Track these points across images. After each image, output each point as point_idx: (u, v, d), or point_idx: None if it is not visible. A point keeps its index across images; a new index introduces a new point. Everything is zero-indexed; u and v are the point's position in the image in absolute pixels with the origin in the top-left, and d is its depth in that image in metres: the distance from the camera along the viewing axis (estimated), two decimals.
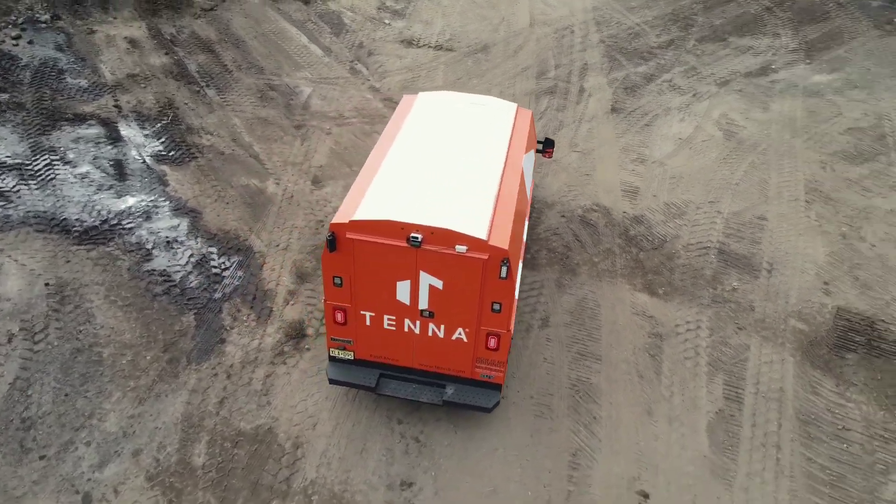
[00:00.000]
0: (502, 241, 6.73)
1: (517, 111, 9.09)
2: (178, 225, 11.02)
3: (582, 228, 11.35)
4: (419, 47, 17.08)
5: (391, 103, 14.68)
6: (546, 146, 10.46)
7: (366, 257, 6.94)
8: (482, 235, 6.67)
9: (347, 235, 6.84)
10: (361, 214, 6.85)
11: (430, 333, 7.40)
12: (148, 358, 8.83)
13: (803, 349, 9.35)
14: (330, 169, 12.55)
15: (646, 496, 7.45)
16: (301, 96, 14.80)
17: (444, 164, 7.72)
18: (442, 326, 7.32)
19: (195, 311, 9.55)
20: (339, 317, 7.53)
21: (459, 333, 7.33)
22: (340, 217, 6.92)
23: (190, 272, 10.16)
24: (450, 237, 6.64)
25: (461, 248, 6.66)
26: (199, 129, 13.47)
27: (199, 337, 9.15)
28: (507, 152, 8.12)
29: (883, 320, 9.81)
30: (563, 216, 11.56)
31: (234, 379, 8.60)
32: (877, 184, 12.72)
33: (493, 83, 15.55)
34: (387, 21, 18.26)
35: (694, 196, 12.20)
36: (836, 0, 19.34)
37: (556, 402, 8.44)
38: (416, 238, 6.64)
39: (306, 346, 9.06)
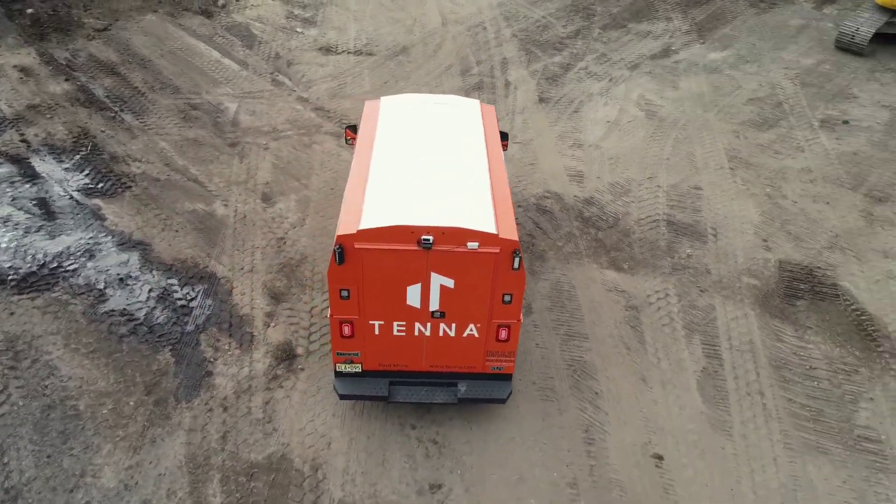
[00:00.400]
0: (511, 233, 6.88)
1: (482, 107, 9.27)
2: (128, 260, 10.34)
3: (540, 216, 11.72)
4: (338, 54, 16.88)
5: (324, 113, 14.45)
6: (502, 139, 10.71)
7: (375, 266, 6.88)
8: (492, 230, 6.79)
9: (356, 246, 6.75)
10: (368, 223, 6.77)
11: (440, 334, 7.44)
12: (131, 403, 8.26)
13: (760, 302, 10.18)
14: (277, 185, 12.19)
15: (660, 458, 7.89)
16: (227, 113, 14.24)
17: (431, 165, 7.76)
18: (453, 325, 7.38)
19: (170, 347, 9.02)
20: (346, 330, 7.41)
21: (471, 329, 7.42)
22: (345, 228, 6.81)
23: (154, 308, 9.57)
24: (461, 235, 6.71)
25: (473, 245, 6.75)
26: (124, 157, 12.65)
27: (182, 373, 8.66)
28: (487, 147, 8.28)
29: (819, 267, 10.87)
30: (519, 206, 11.88)
31: (232, 411, 8.23)
32: (785, 147, 13.99)
33: (420, 83, 15.65)
34: (299, 30, 17.89)
35: (633, 174, 12.90)
36: None
37: (558, 384, 8.73)
38: (428, 240, 6.66)
39: (300, 367, 8.81)
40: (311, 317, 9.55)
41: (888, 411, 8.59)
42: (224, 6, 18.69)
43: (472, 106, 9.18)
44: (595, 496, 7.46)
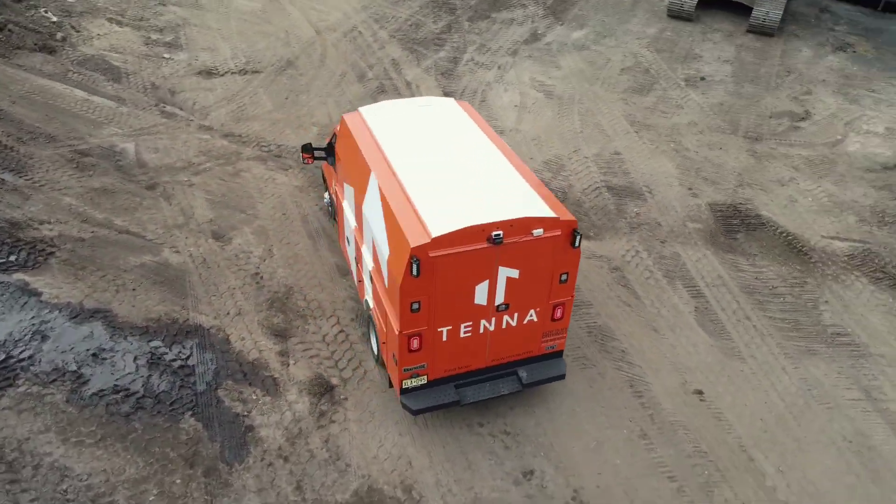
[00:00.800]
0: (566, 213, 7.21)
1: (461, 105, 9.41)
2: (92, 332, 9.12)
3: None
4: (221, 76, 15.89)
5: (236, 138, 13.60)
6: None
7: (447, 271, 6.85)
8: (552, 213, 7.07)
9: (431, 255, 6.67)
10: (439, 229, 6.71)
11: (503, 326, 7.59)
12: (178, 482, 7.40)
13: (710, 242, 11.51)
14: (223, 220, 11.34)
15: (701, 392, 8.73)
16: (127, 155, 12.88)
17: (454, 164, 7.82)
18: (515, 315, 7.56)
19: (189, 412, 8.17)
20: (415, 343, 7.28)
21: (531, 315, 7.65)
22: (416, 240, 6.68)
23: (149, 376, 8.58)
24: (527, 224, 6.91)
25: (538, 232, 6.98)
26: (27, 222, 11.00)
27: (219, 435, 7.91)
28: (491, 140, 8.48)
29: (740, 203, 12.48)
30: None
31: (294, 458, 7.70)
32: (667, 106, 15.71)
33: (322, 94, 15.27)
34: (166, 55, 16.53)
35: (559, 150, 13.78)
36: None
37: (587, 351, 9.25)
38: (499, 235, 6.78)
39: (342, 397, 8.44)
40: (328, 345, 9.15)
41: (842, 308, 10.22)
42: (65, 39, 16.69)
43: (452, 104, 9.31)
44: (666, 440, 8.11)
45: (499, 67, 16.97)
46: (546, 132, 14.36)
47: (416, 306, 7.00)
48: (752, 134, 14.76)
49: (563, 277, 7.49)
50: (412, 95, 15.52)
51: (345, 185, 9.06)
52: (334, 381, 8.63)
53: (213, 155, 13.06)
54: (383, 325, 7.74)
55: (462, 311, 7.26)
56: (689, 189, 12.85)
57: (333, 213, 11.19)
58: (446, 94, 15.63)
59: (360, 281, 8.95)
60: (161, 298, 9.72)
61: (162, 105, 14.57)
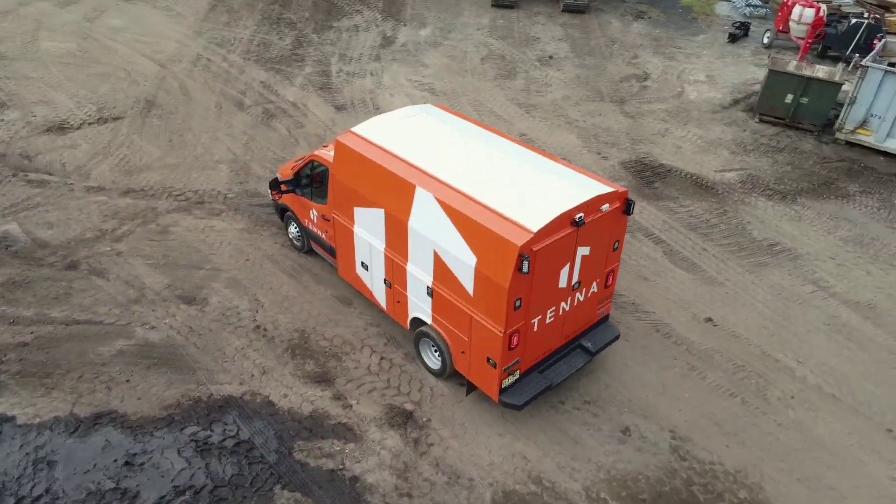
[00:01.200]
0: (616, 185, 7.80)
1: (442, 108, 9.48)
2: (108, 441, 7.75)
3: None
4: (77, 128, 13.89)
5: (140, 193, 12.10)
6: None
7: (543, 262, 7.07)
8: (611, 188, 7.61)
9: (534, 249, 6.85)
10: (535, 224, 6.88)
11: (575, 303, 8.01)
12: None
13: (640, 195, 12.93)
14: (183, 282, 10.14)
15: (711, 320, 9.96)
16: (16, 237, 10.85)
17: (491, 163, 7.96)
18: (583, 290, 8.01)
19: (278, 485, 7.40)
20: (514, 340, 7.41)
21: (594, 287, 8.17)
22: (519, 238, 6.78)
23: (207, 464, 7.57)
24: (598, 202, 7.38)
25: (605, 207, 7.49)
26: None
27: (326, 496, 7.29)
28: (500, 136, 8.74)
29: (642, 157, 14.14)
30: None
31: (418, 491, 7.39)
32: (538, 86, 17.05)
33: (208, 130, 14.09)
34: None
35: None
36: None
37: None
38: (581, 217, 7.18)
39: (425, 419, 8.21)
40: (378, 375, 8.79)
41: (762, 224, 12.22)
42: None
43: (435, 110, 9.35)
44: (710, 366, 9.17)
45: (371, 74, 16.98)
46: None
47: (518, 303, 7.13)
48: (616, 98, 16.65)
49: (615, 245, 8.11)
50: (307, 114, 14.97)
51: (358, 209, 8.71)
52: (408, 406, 8.36)
53: (124, 217, 11.48)
54: (466, 335, 7.72)
55: (549, 297, 7.54)
56: (599, 153, 14.22)
57: (305, 245, 10.59)
58: (338, 108, 15.33)
59: (399, 302, 8.73)
60: (168, 381, 8.52)
61: (23, 174, 12.37)
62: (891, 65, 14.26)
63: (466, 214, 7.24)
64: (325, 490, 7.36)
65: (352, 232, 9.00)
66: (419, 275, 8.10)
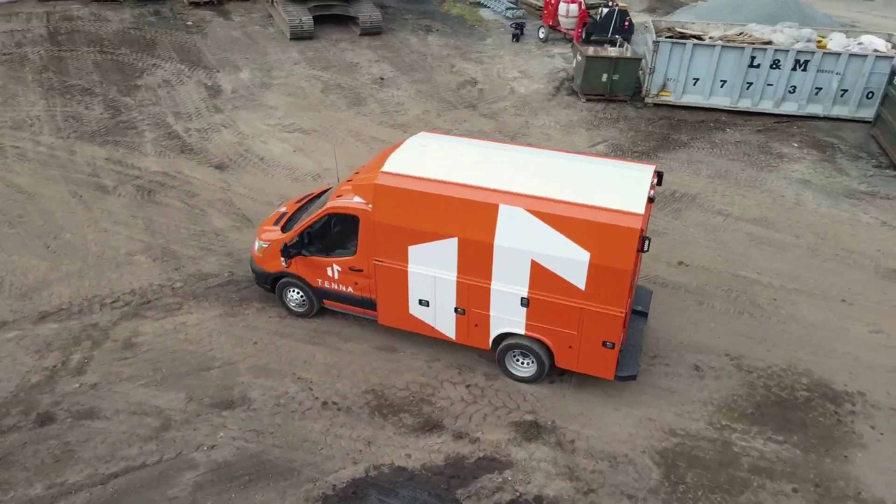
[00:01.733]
0: (646, 163, 8.87)
1: (430, 132, 9.67)
2: None
3: None
4: None
5: (56, 314, 9.95)
6: None
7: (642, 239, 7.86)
8: (650, 166, 8.65)
9: (643, 228, 7.61)
10: (636, 206, 7.57)
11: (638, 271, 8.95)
12: None
13: None
14: (209, 386, 8.73)
15: (682, 262, 11.64)
16: None
17: (544, 169, 8.40)
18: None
19: None
20: (626, 319, 8.11)
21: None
22: (633, 223, 7.40)
23: None
24: (654, 182, 8.36)
25: (655, 181, 8.51)
26: None
27: None
28: (517, 144, 9.23)
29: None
30: None
31: (595, 484, 7.66)
32: (393, 108, 17.45)
33: (84, 223, 11.96)
34: None
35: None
36: (146, 21, 21.00)
37: None
38: (653, 194, 8.11)
39: (549, 422, 8.41)
40: (477, 401, 8.70)
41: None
42: None
43: (435, 135, 9.51)
44: (709, 297, 10.76)
45: (224, 126, 15.81)
46: (349, 158, 14.58)
47: (632, 283, 7.84)
48: (466, 104, 17.86)
49: None
50: (188, 183, 13.44)
51: (414, 247, 8.48)
52: (528, 417, 8.48)
53: (62, 345, 9.36)
54: (575, 329, 8.16)
55: (637, 271, 8.36)
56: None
57: (314, 307, 9.82)
58: (217, 168, 14.08)
59: (477, 325, 8.76)
60: (279, 492, 7.41)
61: None
62: (677, 36, 17.80)
63: (567, 216, 7.68)
64: None
65: (405, 272, 8.73)
66: (509, 289, 8.28)
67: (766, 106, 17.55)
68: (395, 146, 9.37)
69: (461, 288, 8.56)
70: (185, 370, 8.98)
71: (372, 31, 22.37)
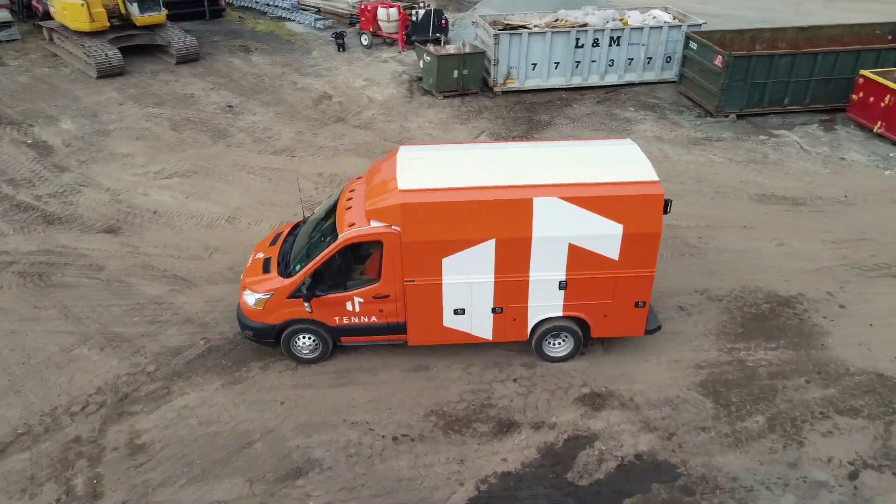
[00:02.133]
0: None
1: (413, 146, 9.53)
2: None
3: None
4: None
5: (17, 441, 8.08)
6: None
7: None
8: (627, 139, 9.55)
9: (663, 192, 8.45)
10: (650, 175, 8.30)
11: None
12: None
13: None
14: (259, 457, 7.80)
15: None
16: None
17: (550, 157, 8.89)
18: None
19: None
20: None
21: None
22: (655, 189, 8.07)
23: None
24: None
25: None
26: None
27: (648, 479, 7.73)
28: (492, 142, 9.52)
29: None
30: None
31: (674, 429, 8.41)
32: (264, 135, 16.48)
33: (59, 310, 9.72)
34: None
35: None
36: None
37: None
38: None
39: (602, 389, 8.97)
40: (531, 391, 8.93)
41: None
42: None
43: (419, 146, 9.46)
44: (689, 245, 12.17)
45: (84, 186, 13.75)
46: (255, 194, 13.61)
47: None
48: (333, 118, 17.37)
49: None
50: (82, 256, 11.50)
51: (448, 259, 8.39)
52: (585, 390, 8.93)
53: (52, 473, 7.63)
54: (610, 297, 8.78)
55: None
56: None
57: (328, 349, 9.21)
58: (109, 232, 12.24)
59: (515, 319, 8.97)
60: None
61: None
62: (504, 28, 19.23)
63: (597, 195, 8.24)
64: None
65: (439, 286, 8.61)
66: (548, 277, 8.62)
67: (594, 80, 19.81)
68: (373, 170, 9.19)
69: (499, 287, 8.69)
70: (223, 454, 7.88)
71: (189, 58, 20.66)
